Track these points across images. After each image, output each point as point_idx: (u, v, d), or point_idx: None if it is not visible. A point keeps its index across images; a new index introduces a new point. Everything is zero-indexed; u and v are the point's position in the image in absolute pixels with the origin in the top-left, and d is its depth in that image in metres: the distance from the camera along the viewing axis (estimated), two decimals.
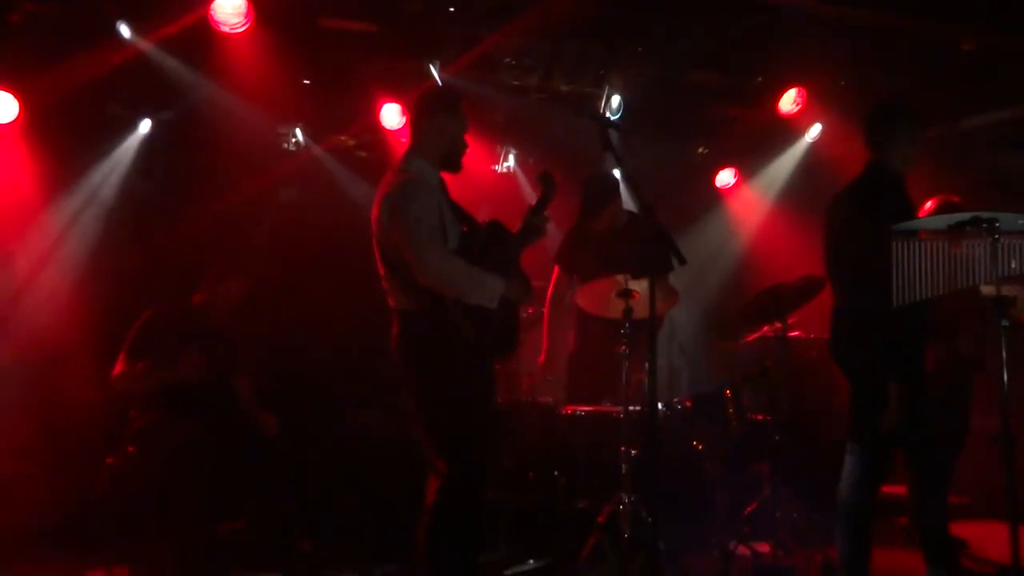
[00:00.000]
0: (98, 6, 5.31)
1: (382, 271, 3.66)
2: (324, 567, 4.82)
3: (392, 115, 6.41)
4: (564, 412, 5.15)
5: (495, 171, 7.47)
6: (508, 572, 4.68)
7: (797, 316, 5.52)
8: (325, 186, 6.92)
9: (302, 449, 5.16)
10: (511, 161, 7.48)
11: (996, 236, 3.46)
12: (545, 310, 5.68)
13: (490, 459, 3.89)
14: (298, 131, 6.76)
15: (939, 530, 3.97)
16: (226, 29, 5.24)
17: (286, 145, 6.79)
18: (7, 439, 5.42)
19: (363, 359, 5.89)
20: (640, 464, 4.60)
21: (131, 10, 5.36)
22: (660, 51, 6.12)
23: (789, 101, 6.65)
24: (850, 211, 3.94)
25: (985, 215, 3.47)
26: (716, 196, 8.02)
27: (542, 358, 5.65)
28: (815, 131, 7.18)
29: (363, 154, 7.09)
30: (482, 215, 3.85)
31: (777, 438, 5.05)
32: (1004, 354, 3.47)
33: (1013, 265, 3.51)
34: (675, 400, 5.30)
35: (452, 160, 3.76)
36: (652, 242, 3.53)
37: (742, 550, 4.80)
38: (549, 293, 5.64)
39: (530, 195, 7.13)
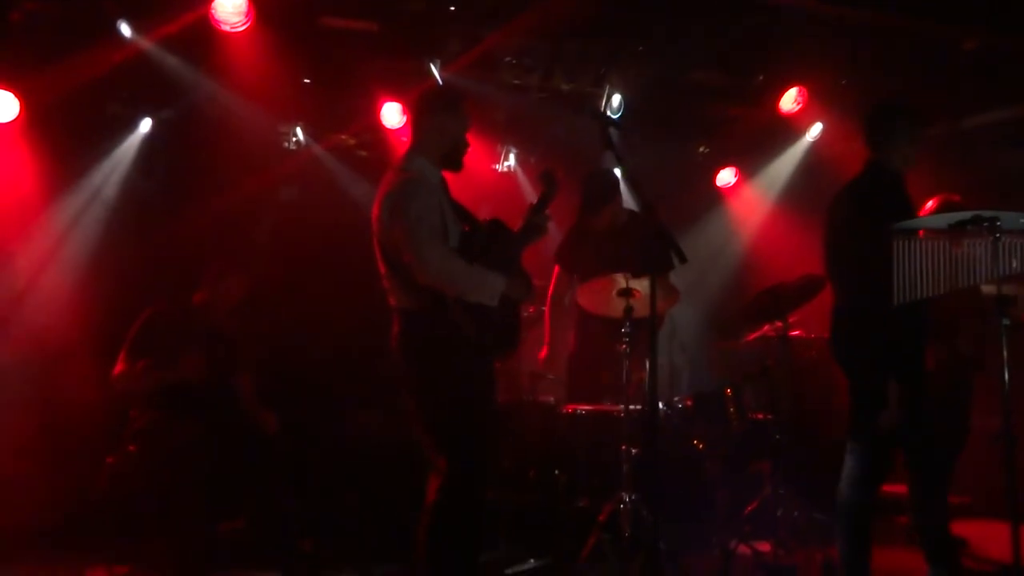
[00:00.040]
0: (98, 5, 5.31)
1: (383, 270, 3.65)
2: (324, 567, 4.82)
3: (393, 114, 6.40)
4: (564, 411, 5.15)
5: (496, 170, 7.46)
6: (509, 571, 4.68)
7: (798, 315, 5.52)
8: (326, 185, 6.92)
9: (302, 449, 5.16)
10: (512, 160, 7.48)
11: (997, 235, 3.46)
12: (546, 309, 5.68)
13: (490, 458, 3.89)
14: (299, 130, 6.76)
15: (940, 530, 3.97)
16: (227, 28, 5.24)
17: (287, 144, 6.79)
18: (7, 439, 5.42)
19: (363, 359, 5.89)
20: (641, 463, 4.61)
21: (132, 9, 5.36)
22: (661, 50, 6.12)
23: (790, 100, 6.65)
24: (850, 210, 3.94)
25: (986, 214, 3.47)
26: (717, 195, 8.02)
27: (543, 352, 5.65)
28: (816, 130, 7.17)
29: (364, 153, 7.08)
30: (483, 214, 3.85)
31: (778, 437, 5.05)
32: (1005, 353, 3.47)
33: (1014, 264, 3.51)
34: (676, 399, 5.31)
35: (453, 159, 3.76)
36: (653, 240, 3.52)
37: (743, 549, 4.79)
38: (550, 292, 5.64)
39: (530, 194, 7.13)
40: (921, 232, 3.62)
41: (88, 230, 6.20)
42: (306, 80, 6.15)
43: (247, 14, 5.21)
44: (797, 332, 5.93)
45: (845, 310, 3.96)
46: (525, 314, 5.19)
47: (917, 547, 4.06)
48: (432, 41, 5.92)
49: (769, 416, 5.17)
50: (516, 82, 6.34)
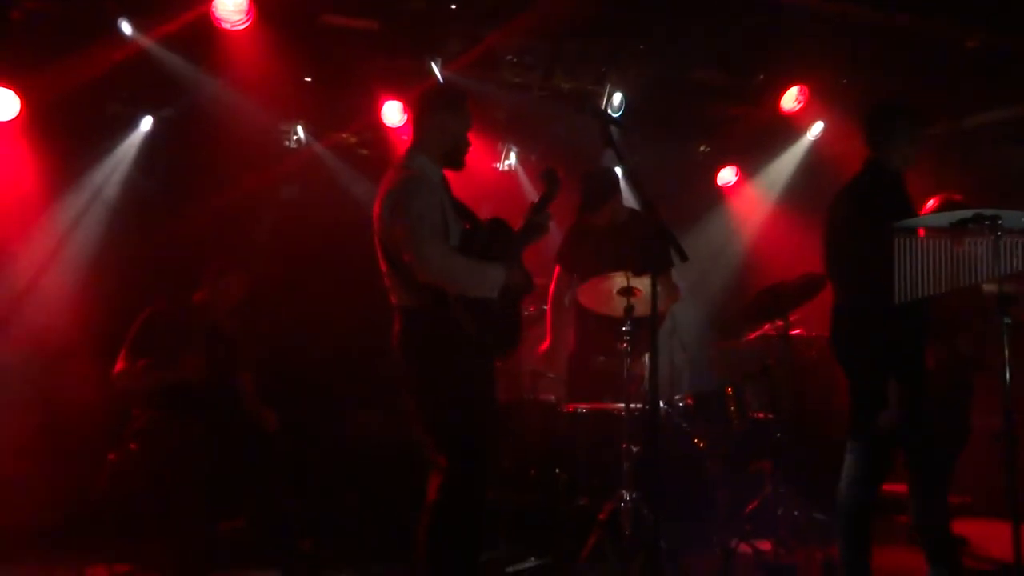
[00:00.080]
0: (99, 3, 5.30)
1: (384, 268, 3.65)
2: (324, 567, 4.81)
3: (393, 113, 6.39)
4: (565, 410, 5.15)
5: (497, 169, 7.46)
6: (509, 570, 4.67)
7: (798, 314, 5.51)
8: (326, 184, 6.91)
9: (302, 449, 5.16)
10: (513, 159, 7.47)
11: (998, 234, 3.45)
12: (547, 307, 5.67)
13: (491, 457, 3.88)
14: (299, 128, 6.75)
15: (940, 529, 3.96)
16: (227, 26, 5.23)
17: (287, 142, 6.78)
18: (7, 439, 5.42)
19: (363, 359, 5.90)
20: (641, 462, 4.60)
21: (132, 7, 5.35)
22: (661, 50, 6.12)
23: (791, 99, 6.64)
24: (850, 210, 3.94)
25: (987, 213, 3.46)
26: (718, 195, 8.01)
27: (544, 346, 5.63)
28: (817, 129, 7.17)
29: (364, 151, 7.08)
30: (484, 213, 3.84)
31: (778, 436, 5.05)
32: (1006, 352, 3.46)
33: (1015, 263, 3.51)
34: (676, 398, 5.30)
35: (454, 157, 3.75)
36: (653, 239, 3.51)
37: (743, 548, 4.80)
38: (551, 290, 5.63)
39: (531, 193, 7.12)
40: (922, 231, 3.62)
41: (89, 229, 6.20)
42: (307, 78, 6.14)
43: (248, 12, 5.20)
44: (798, 331, 5.92)
45: (845, 309, 3.96)
46: (526, 313, 5.18)
47: (917, 547, 4.05)
48: (433, 39, 5.91)
49: (770, 415, 5.17)
50: (517, 81, 6.34)
